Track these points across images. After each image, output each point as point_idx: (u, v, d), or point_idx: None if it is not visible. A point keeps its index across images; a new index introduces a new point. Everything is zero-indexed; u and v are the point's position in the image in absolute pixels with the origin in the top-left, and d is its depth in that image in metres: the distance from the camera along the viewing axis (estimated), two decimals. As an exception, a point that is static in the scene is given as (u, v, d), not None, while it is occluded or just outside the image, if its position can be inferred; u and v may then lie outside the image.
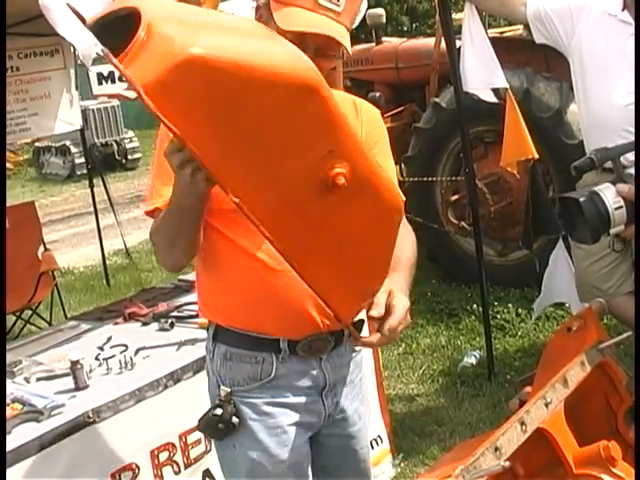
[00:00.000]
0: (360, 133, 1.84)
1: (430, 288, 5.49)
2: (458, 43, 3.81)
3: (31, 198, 8.45)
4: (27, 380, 2.65)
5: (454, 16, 4.13)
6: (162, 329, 3.04)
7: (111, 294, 6.34)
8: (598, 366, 1.76)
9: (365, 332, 1.74)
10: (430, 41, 6.02)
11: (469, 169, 4.07)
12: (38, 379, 2.66)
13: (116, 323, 3.21)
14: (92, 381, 2.57)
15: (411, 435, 3.62)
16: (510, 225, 5.09)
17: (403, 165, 5.77)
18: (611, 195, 1.67)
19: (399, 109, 6.09)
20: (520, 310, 4.87)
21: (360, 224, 1.52)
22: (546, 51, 4.05)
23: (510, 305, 4.93)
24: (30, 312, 5.11)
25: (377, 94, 5.95)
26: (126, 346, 2.87)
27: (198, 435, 2.57)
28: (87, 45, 3.10)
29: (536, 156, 3.70)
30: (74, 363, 2.52)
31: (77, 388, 2.51)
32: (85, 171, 8.39)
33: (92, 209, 7.13)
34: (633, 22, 2.94)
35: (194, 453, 2.63)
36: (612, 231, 1.69)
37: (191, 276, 3.24)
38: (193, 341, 2.80)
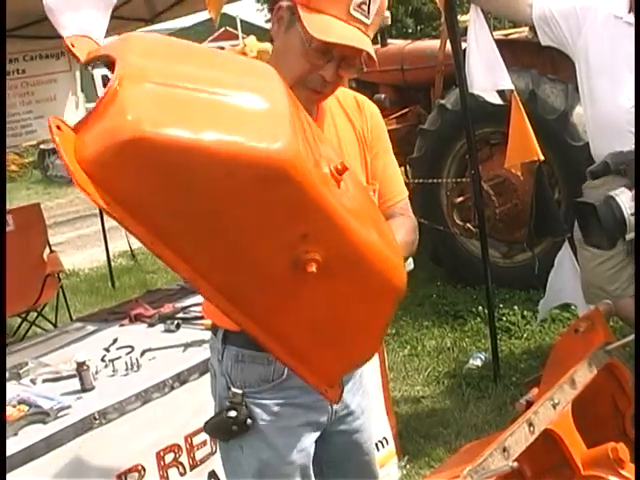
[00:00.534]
0: (367, 129, 1.84)
1: (435, 290, 5.49)
2: (463, 45, 3.81)
3: (36, 200, 8.45)
4: (33, 382, 2.65)
5: (459, 18, 4.13)
6: (168, 330, 3.04)
7: (116, 296, 6.35)
8: (605, 368, 1.76)
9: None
10: (435, 43, 6.03)
11: (475, 171, 4.06)
12: (44, 380, 2.66)
13: (122, 325, 3.21)
14: (98, 382, 2.57)
15: (416, 437, 3.62)
16: (516, 227, 5.09)
17: (408, 167, 5.77)
18: (627, 200, 1.65)
19: (404, 111, 6.10)
20: (526, 312, 4.86)
21: (342, 303, 1.41)
22: (552, 53, 4.04)
23: (516, 307, 4.93)
24: (35, 314, 5.11)
25: (382, 96, 5.96)
26: (132, 347, 2.87)
27: (204, 437, 2.58)
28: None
29: (541, 158, 3.70)
30: (80, 364, 2.53)
31: (83, 389, 2.51)
32: (90, 173, 8.37)
33: (97, 211, 7.15)
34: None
35: (200, 455, 2.64)
36: (628, 237, 1.67)
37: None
38: (199, 342, 2.80)
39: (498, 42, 3.71)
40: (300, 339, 1.44)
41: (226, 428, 1.76)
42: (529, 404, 1.71)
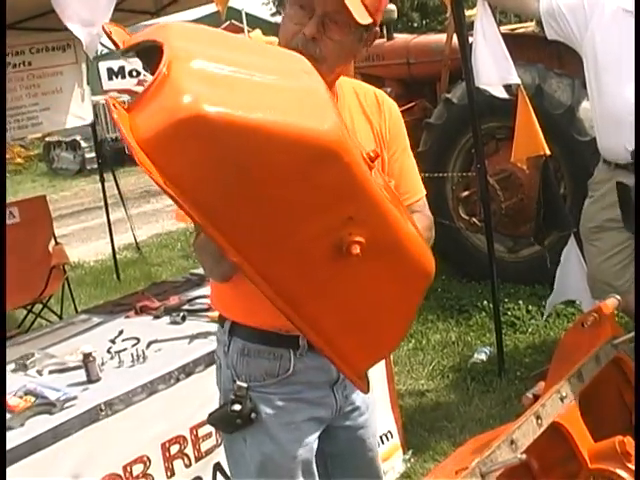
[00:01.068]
0: (385, 127, 1.83)
1: (440, 284, 5.47)
2: (470, 39, 3.80)
3: (41, 193, 8.46)
4: (40, 373, 2.66)
5: (465, 12, 4.12)
6: (174, 322, 3.04)
7: (121, 288, 6.35)
8: (612, 361, 1.76)
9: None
10: (441, 37, 6.01)
11: (480, 165, 4.05)
12: (51, 372, 2.66)
13: (127, 317, 3.21)
14: (104, 374, 2.58)
15: (421, 431, 3.62)
16: (521, 221, 5.08)
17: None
18: None
19: (410, 105, 6.08)
20: (530, 307, 4.86)
21: (377, 287, 1.45)
22: (558, 47, 4.04)
23: (521, 302, 4.92)
24: (41, 306, 5.12)
25: (388, 89, 5.93)
26: (138, 339, 2.87)
27: (209, 428, 2.57)
28: (91, 39, 3.12)
29: (548, 152, 3.69)
30: (86, 356, 2.53)
31: (89, 381, 2.52)
32: (95, 166, 8.42)
33: (102, 203, 7.16)
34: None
35: (205, 446, 2.64)
36: None
37: (202, 270, 3.24)
38: (205, 334, 2.81)
39: (505, 36, 3.70)
40: (331, 325, 1.46)
41: (230, 421, 1.76)
42: (536, 398, 1.72)
